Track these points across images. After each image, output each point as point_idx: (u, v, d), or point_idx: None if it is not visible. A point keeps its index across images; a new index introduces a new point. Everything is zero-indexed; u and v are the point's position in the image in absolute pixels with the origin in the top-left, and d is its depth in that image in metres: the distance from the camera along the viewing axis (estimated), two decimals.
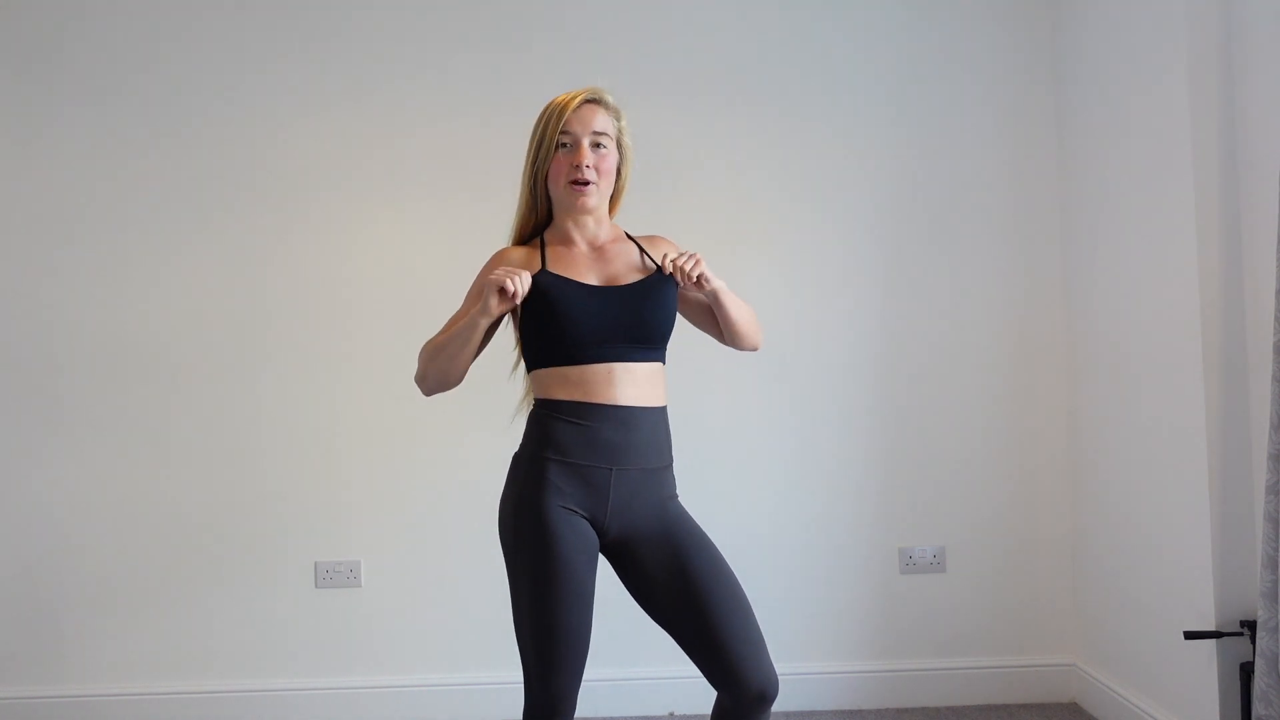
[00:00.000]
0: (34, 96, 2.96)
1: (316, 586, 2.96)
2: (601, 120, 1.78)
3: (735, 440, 2.97)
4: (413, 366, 2.91)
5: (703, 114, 3.00)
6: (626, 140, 1.83)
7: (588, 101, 1.78)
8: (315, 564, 2.96)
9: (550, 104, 1.79)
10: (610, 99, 1.81)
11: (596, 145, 1.77)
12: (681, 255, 1.77)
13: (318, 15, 2.99)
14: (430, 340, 1.83)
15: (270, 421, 2.96)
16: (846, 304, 3.01)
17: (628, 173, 1.86)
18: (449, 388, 1.82)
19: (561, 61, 2.96)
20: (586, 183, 1.76)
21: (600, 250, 1.82)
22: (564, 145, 1.77)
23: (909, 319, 3.01)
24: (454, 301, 2.89)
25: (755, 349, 1.95)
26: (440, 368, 1.78)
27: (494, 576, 2.92)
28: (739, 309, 1.87)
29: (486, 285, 1.70)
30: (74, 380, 2.95)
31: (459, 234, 2.96)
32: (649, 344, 1.76)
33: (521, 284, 1.68)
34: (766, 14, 3.01)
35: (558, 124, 1.75)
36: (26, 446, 2.95)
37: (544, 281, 1.73)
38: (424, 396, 1.89)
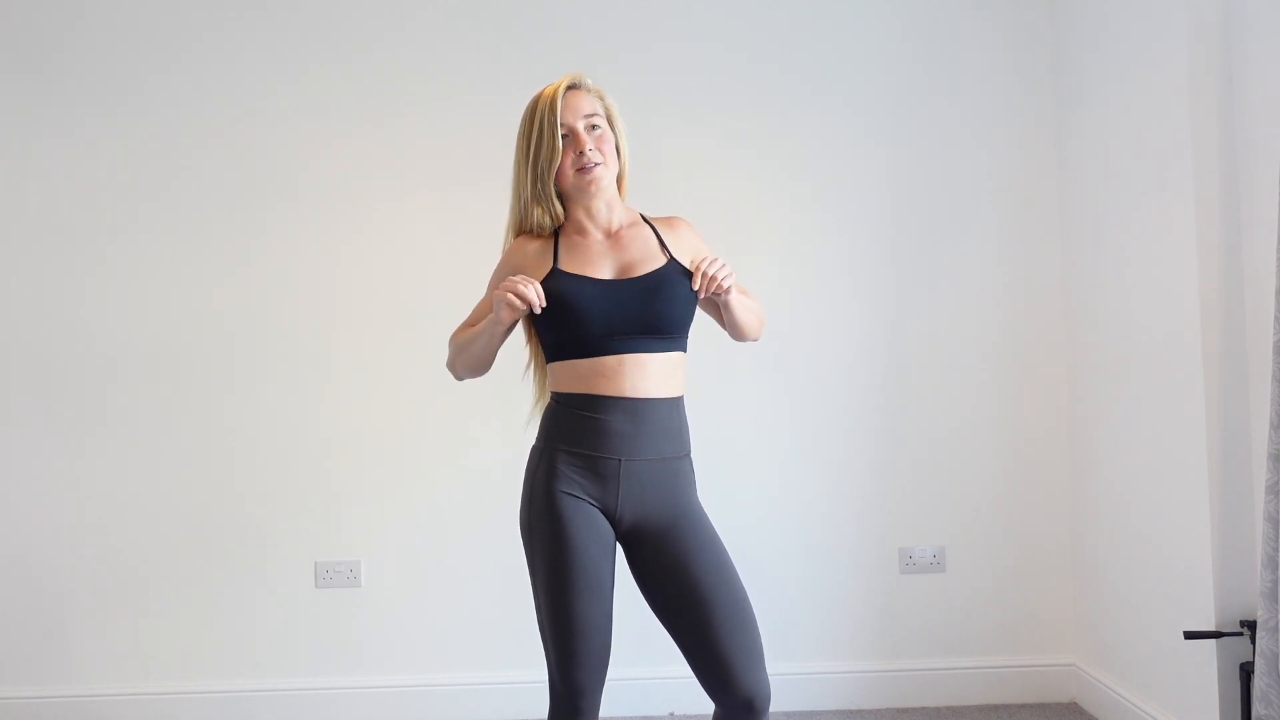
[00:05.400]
0: (34, 100, 2.96)
1: (316, 586, 2.96)
2: (588, 102, 1.77)
3: (735, 440, 2.97)
4: (414, 365, 2.95)
5: (704, 114, 2.99)
6: (616, 116, 1.82)
7: (570, 89, 1.77)
8: (315, 564, 2.96)
9: (535, 104, 1.77)
10: (589, 81, 1.81)
11: (592, 127, 1.77)
12: (714, 264, 1.74)
13: (315, 14, 2.99)
14: (456, 332, 1.87)
15: (270, 421, 2.96)
16: (846, 304, 3.01)
17: (625, 147, 1.84)
18: (479, 375, 1.89)
19: (562, 60, 2.94)
20: (595, 165, 1.75)
21: (615, 236, 1.81)
22: (564, 138, 1.76)
23: (909, 319, 3.01)
24: (452, 299, 2.90)
25: (755, 340, 1.96)
26: (466, 362, 1.85)
27: (494, 576, 2.93)
28: (745, 313, 1.86)
29: (496, 299, 1.71)
30: (73, 380, 2.95)
31: (456, 230, 2.96)
32: (662, 335, 1.75)
33: (530, 295, 1.69)
34: (767, 14, 3.01)
35: (554, 119, 1.73)
36: (27, 447, 2.95)
37: (554, 283, 1.73)
38: (455, 381, 1.94)
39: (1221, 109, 2.31)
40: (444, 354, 2.85)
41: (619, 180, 1.85)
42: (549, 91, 1.76)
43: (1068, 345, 2.98)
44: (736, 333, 1.89)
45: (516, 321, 1.78)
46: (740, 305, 1.84)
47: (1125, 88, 2.62)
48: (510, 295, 1.68)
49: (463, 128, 2.98)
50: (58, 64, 2.98)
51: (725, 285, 1.74)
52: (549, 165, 1.75)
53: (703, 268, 1.73)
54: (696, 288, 1.74)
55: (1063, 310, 3.00)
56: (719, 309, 1.87)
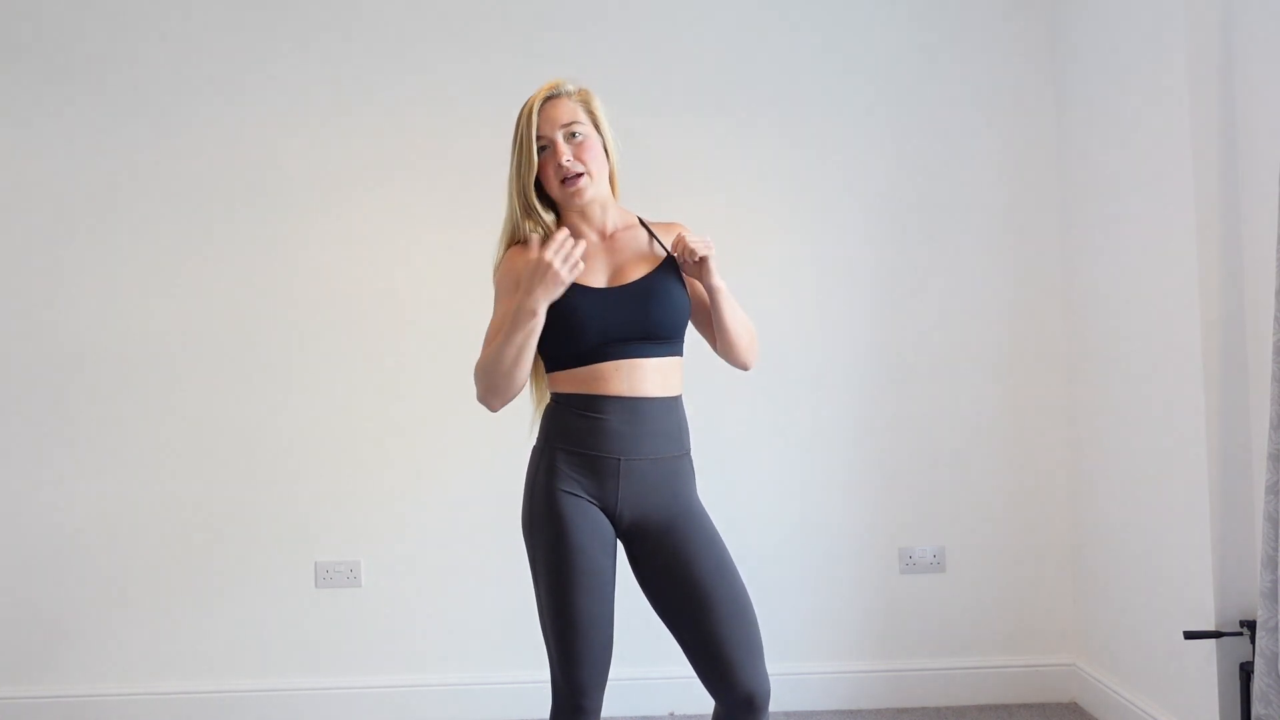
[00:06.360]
0: (37, 99, 2.96)
1: (316, 586, 2.96)
2: (567, 111, 1.76)
3: (734, 441, 2.97)
4: (415, 365, 2.95)
5: (701, 116, 2.99)
6: (601, 117, 1.81)
7: (548, 99, 1.77)
8: (315, 564, 2.96)
9: (519, 116, 1.78)
10: (570, 86, 1.79)
11: (572, 136, 1.76)
12: (695, 239, 1.76)
13: (322, 18, 2.99)
14: (481, 360, 1.74)
15: (271, 422, 2.96)
16: (847, 304, 3.01)
17: (613, 148, 1.83)
18: (515, 393, 1.75)
19: (564, 67, 2.95)
20: (576, 175, 1.75)
21: (611, 239, 1.82)
22: (544, 149, 1.76)
23: (909, 319, 3.01)
24: (452, 300, 2.91)
25: (745, 367, 1.90)
26: (505, 385, 1.71)
27: (494, 576, 2.93)
28: (736, 317, 1.84)
29: (533, 278, 1.66)
30: (75, 382, 2.95)
31: (457, 229, 2.96)
32: (659, 340, 1.75)
33: (576, 259, 1.68)
34: (765, 14, 3.01)
35: (530, 133, 1.74)
36: (28, 447, 2.95)
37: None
38: (491, 413, 1.82)
39: (1221, 109, 2.31)
40: (446, 352, 2.90)
41: (610, 181, 1.84)
42: (528, 103, 1.77)
43: (1068, 346, 2.98)
44: (727, 347, 1.86)
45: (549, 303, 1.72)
46: (729, 304, 1.82)
47: (1125, 88, 2.62)
48: (561, 264, 1.66)
49: (463, 128, 2.98)
50: (66, 62, 2.97)
51: (700, 252, 1.74)
52: (529, 179, 1.76)
53: (687, 239, 1.75)
54: (675, 253, 1.77)
55: (1063, 310, 3.00)
56: (710, 326, 1.86)
